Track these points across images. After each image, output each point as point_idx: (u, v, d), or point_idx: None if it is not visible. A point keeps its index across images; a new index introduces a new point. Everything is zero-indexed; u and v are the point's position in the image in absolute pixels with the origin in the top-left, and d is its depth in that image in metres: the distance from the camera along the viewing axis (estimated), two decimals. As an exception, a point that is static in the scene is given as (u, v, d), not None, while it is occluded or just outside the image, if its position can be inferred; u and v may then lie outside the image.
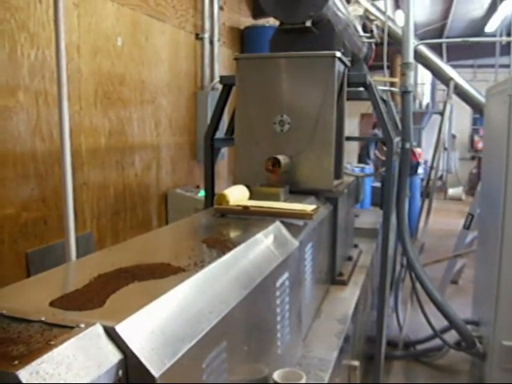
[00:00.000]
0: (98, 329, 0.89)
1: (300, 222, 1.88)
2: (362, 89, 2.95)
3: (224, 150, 5.28)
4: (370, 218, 4.27)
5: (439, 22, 9.70)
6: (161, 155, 4.84)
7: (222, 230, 1.66)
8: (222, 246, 1.42)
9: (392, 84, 6.36)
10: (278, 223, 1.78)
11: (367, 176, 5.93)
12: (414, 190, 8.00)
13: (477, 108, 4.94)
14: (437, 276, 5.45)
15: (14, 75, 3.10)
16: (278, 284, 1.52)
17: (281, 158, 2.35)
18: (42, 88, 3.31)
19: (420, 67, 9.16)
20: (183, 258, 1.29)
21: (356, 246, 3.35)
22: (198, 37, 5.39)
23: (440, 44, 8.76)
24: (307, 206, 1.96)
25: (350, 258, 3.02)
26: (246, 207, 1.84)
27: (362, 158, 10.39)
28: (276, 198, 2.21)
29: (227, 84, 2.91)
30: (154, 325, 0.95)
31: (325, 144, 2.45)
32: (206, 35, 5.41)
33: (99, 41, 3.85)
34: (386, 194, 3.11)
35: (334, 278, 2.64)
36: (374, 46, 4.68)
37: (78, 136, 3.67)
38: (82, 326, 0.88)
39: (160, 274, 1.18)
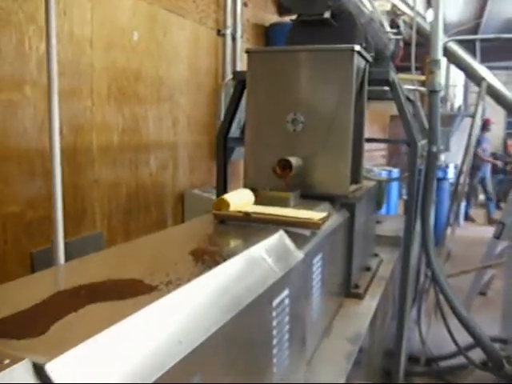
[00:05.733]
0: (26, 366, 0.72)
1: (307, 232, 1.69)
2: (387, 88, 2.76)
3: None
4: (393, 224, 4.05)
5: (473, 21, 9.35)
6: (178, 154, 4.69)
7: (216, 239, 1.49)
8: (210, 259, 1.25)
9: (423, 84, 6.10)
10: (281, 232, 1.60)
11: (390, 180, 5.69)
12: (442, 195, 7.70)
13: (511, 111, 4.67)
14: (464, 286, 5.19)
15: (21, 69, 2.99)
16: (274, 303, 1.34)
17: (292, 160, 2.17)
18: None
19: (452, 68, 8.83)
20: (161, 273, 1.12)
21: (376, 255, 3.14)
22: (220, 33, 5.22)
23: (473, 44, 8.42)
24: (316, 214, 1.77)
25: (368, 269, 2.81)
26: (246, 214, 1.66)
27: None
28: (285, 203, 2.03)
29: (241, 80, 2.74)
30: (103, 361, 0.78)
31: (341, 145, 2.26)
32: (228, 31, 5.24)
33: (114, 35, 3.72)
34: (409, 200, 2.90)
35: (348, 290, 2.44)
36: (401, 44, 4.45)
37: (89, 132, 3.54)
38: (7, 361, 0.72)
39: (128, 293, 1.01)
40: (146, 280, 1.08)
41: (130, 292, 1.01)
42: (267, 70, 2.34)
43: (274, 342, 1.36)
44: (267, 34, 6.30)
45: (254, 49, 2.54)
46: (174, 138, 4.60)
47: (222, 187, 2.97)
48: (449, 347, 3.82)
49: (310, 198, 2.24)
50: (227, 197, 1.74)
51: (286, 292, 1.42)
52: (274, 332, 1.35)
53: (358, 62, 2.30)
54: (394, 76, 2.68)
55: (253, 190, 2.18)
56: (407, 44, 4.85)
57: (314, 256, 1.76)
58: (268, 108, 2.34)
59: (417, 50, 4.78)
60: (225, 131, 2.87)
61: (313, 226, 1.67)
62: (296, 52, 2.29)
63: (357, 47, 2.22)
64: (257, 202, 2.01)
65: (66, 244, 3.45)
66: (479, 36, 6.30)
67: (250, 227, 1.65)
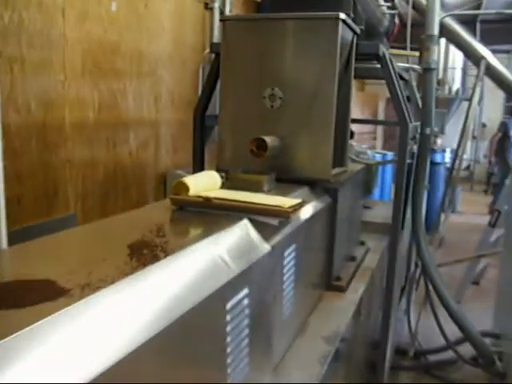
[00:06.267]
0: None
1: (275, 221, 1.49)
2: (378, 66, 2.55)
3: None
4: (383, 210, 3.85)
5: (473, 1, 9.05)
6: (160, 133, 4.47)
7: (166, 228, 1.28)
8: (149, 255, 1.05)
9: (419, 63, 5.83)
10: (245, 222, 1.40)
11: (380, 163, 5.44)
12: (437, 179, 7.51)
13: (511, 92, 4.44)
14: (457, 274, 5.03)
15: (-18, 38, 2.76)
16: (229, 306, 1.14)
17: (268, 139, 1.96)
18: (17, 54, 2.96)
19: (451, 50, 8.56)
20: (82, 272, 0.93)
21: (363, 243, 2.95)
22: (208, 7, 4.96)
23: (474, 26, 8.17)
24: (288, 201, 1.57)
25: (353, 258, 2.62)
26: (207, 199, 1.46)
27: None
28: (258, 188, 1.82)
29: (219, 53, 2.52)
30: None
31: (323, 125, 2.05)
32: (216, 5, 4.97)
33: (89, 5, 3.47)
34: (397, 184, 2.70)
35: (329, 283, 2.25)
36: (397, 21, 4.22)
37: (60, 108, 3.32)
38: None
39: (30, 298, 0.81)
40: (61, 280, 0.89)
41: (33, 297, 0.81)
42: (243, 40, 2.12)
43: (229, 349, 1.17)
44: (260, 10, 6.03)
45: (228, 16, 2.32)
46: (156, 115, 4.38)
47: (199, 169, 2.77)
48: (440, 340, 3.64)
49: (288, 181, 2.05)
50: (187, 180, 1.54)
51: (244, 291, 1.22)
52: (229, 339, 1.16)
53: (344, 32, 2.09)
54: (385, 51, 2.47)
55: (226, 172, 1.98)
56: (404, 25, 4.61)
57: (285, 248, 1.56)
58: (243, 82, 2.13)
59: (415, 30, 4.54)
60: (202, 108, 2.67)
61: (282, 214, 1.47)
62: (274, 20, 2.07)
63: (342, 15, 2.00)
64: (227, 186, 1.81)
65: (37, 226, 3.27)
66: (479, 11, 6.04)
67: (211, 215, 1.45)
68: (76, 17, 3.37)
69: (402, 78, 3.27)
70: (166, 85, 4.48)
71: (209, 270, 1.11)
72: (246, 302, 1.23)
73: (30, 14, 3.01)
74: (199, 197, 1.49)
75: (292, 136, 2.08)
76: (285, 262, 1.57)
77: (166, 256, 1.04)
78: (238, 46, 2.13)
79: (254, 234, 1.38)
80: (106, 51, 3.67)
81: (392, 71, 2.48)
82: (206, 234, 1.24)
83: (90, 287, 0.86)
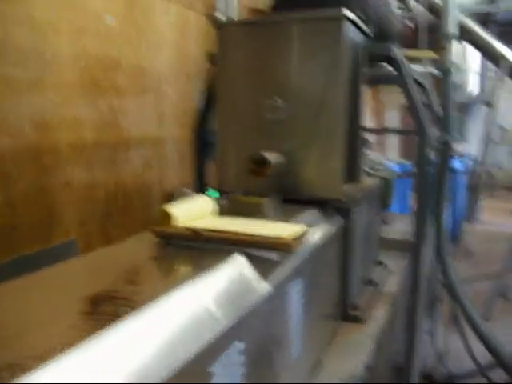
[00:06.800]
0: None
1: (274, 256, 1.26)
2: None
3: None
4: (403, 225, 3.60)
5: (487, 3, 8.79)
6: (166, 150, 4.27)
7: (141, 272, 1.07)
8: (111, 311, 0.83)
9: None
10: (239, 258, 1.18)
11: (398, 176, 5.15)
12: (457, 188, 7.20)
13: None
14: (482, 288, 4.75)
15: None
16: (214, 369, 0.92)
17: (269, 156, 1.75)
18: (4, 73, 2.79)
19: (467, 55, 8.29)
20: (16, 342, 0.72)
21: (381, 263, 2.71)
22: (212, 18, 4.78)
23: (485, 27, 7.92)
24: (291, 229, 1.35)
25: (370, 283, 2.38)
26: (195, 231, 1.25)
27: None
28: (259, 211, 1.61)
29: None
30: None
31: (331, 137, 1.83)
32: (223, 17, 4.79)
33: (84, 19, 3.30)
34: (419, 197, 2.47)
35: (345, 313, 2.01)
36: (410, 23, 4.02)
37: (57, 129, 3.13)
38: None
39: None
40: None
41: None
42: (240, 46, 1.91)
43: (218, 421, 0.95)
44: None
45: (225, 22, 2.13)
46: (161, 132, 4.19)
47: (200, 190, 2.57)
48: (470, 363, 3.37)
49: (295, 202, 1.83)
50: (173, 208, 1.32)
51: (236, 347, 1.00)
52: (217, 408, 0.94)
53: (352, 33, 1.87)
54: (398, 52, 2.25)
55: (225, 193, 1.78)
56: (417, 30, 4.41)
57: (289, 284, 1.33)
58: (241, 92, 1.92)
59: (430, 37, 4.32)
60: (201, 123, 2.47)
61: (283, 247, 1.25)
62: (273, 23, 1.86)
63: (347, 13, 1.79)
64: (226, 210, 1.61)
65: (34, 254, 3.08)
66: (496, 10, 5.78)
67: (200, 250, 1.23)
68: (70, 32, 3.20)
69: (418, 83, 3.05)
70: (170, 100, 4.29)
71: (188, 327, 0.89)
72: (238, 358, 1.01)
73: (18, 30, 2.85)
74: (187, 228, 1.27)
75: (297, 151, 1.86)
76: (290, 300, 1.35)
77: (130, 313, 0.83)
78: (234, 53, 1.93)
79: (249, 272, 1.16)
80: (105, 68, 3.50)
81: (406, 74, 2.26)
82: (189, 277, 1.03)
83: (18, 369, 0.65)
